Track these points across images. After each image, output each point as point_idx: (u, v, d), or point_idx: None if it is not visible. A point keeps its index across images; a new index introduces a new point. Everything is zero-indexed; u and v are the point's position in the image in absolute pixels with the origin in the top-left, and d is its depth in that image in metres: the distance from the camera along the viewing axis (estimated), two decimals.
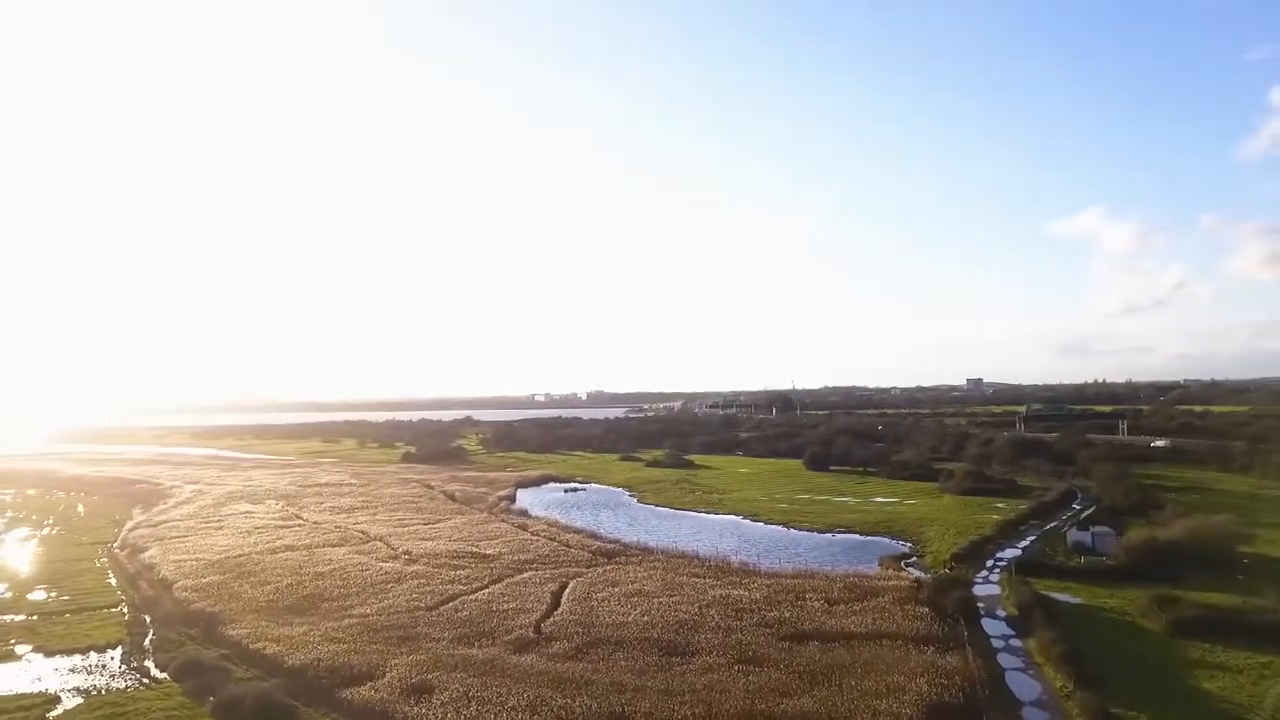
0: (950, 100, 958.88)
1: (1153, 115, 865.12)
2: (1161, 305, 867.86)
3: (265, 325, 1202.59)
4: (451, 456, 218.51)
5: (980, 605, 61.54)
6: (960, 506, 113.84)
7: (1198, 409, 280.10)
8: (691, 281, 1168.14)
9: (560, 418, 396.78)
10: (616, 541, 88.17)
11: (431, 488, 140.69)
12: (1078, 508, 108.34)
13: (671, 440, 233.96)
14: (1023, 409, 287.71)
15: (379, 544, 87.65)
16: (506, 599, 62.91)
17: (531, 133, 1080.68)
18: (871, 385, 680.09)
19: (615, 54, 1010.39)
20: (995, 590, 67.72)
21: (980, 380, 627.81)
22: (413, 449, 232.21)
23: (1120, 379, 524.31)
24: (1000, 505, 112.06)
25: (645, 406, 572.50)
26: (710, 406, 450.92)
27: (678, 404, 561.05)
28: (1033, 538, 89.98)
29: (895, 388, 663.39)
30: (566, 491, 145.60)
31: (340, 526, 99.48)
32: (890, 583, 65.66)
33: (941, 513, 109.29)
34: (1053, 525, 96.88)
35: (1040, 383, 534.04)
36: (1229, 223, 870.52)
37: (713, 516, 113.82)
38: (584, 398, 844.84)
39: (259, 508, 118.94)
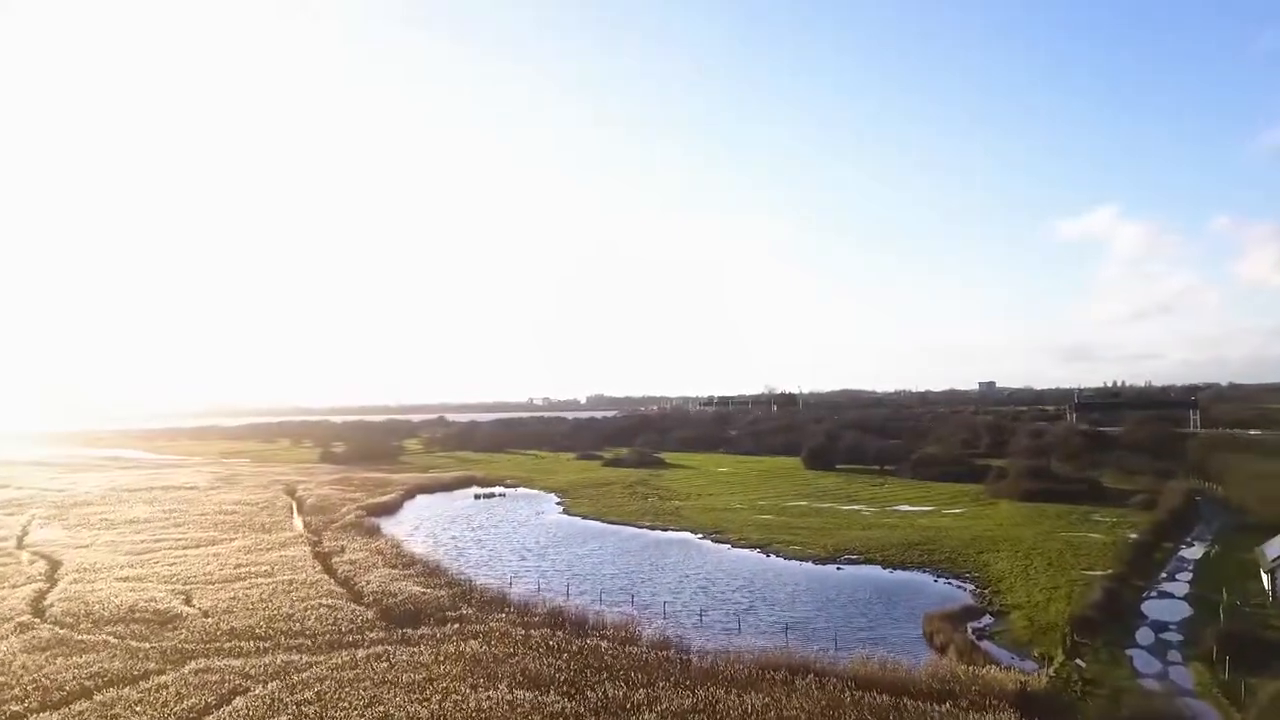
0: (956, 97, 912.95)
1: (1168, 110, 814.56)
2: (1169, 310, 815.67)
3: (271, 333, 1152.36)
4: (379, 457, 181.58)
5: None
6: (1029, 518, 76.15)
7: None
8: (695, 286, 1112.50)
9: (539, 418, 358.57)
10: (458, 586, 50.19)
11: (293, 494, 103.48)
12: (1203, 521, 71.03)
13: (646, 437, 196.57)
14: (1049, 409, 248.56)
15: (34, 589, 50.06)
16: None
17: (513, 133, 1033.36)
18: (879, 390, 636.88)
19: (597, 57, 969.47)
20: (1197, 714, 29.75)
21: (993, 384, 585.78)
22: (338, 449, 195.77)
23: (1128, 384, 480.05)
24: (1074, 516, 76.41)
25: (641, 408, 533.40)
26: (704, 404, 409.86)
27: (672, 403, 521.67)
28: (1185, 577, 51.98)
29: (904, 391, 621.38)
30: (478, 498, 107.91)
31: (43, 555, 62.06)
32: (967, 705, 27.48)
33: (1004, 528, 71.55)
34: (1204, 551, 58.94)
35: (1053, 387, 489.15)
36: (1241, 224, 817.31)
37: (657, 534, 75.91)
38: (584, 401, 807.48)
39: (9, 520, 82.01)
